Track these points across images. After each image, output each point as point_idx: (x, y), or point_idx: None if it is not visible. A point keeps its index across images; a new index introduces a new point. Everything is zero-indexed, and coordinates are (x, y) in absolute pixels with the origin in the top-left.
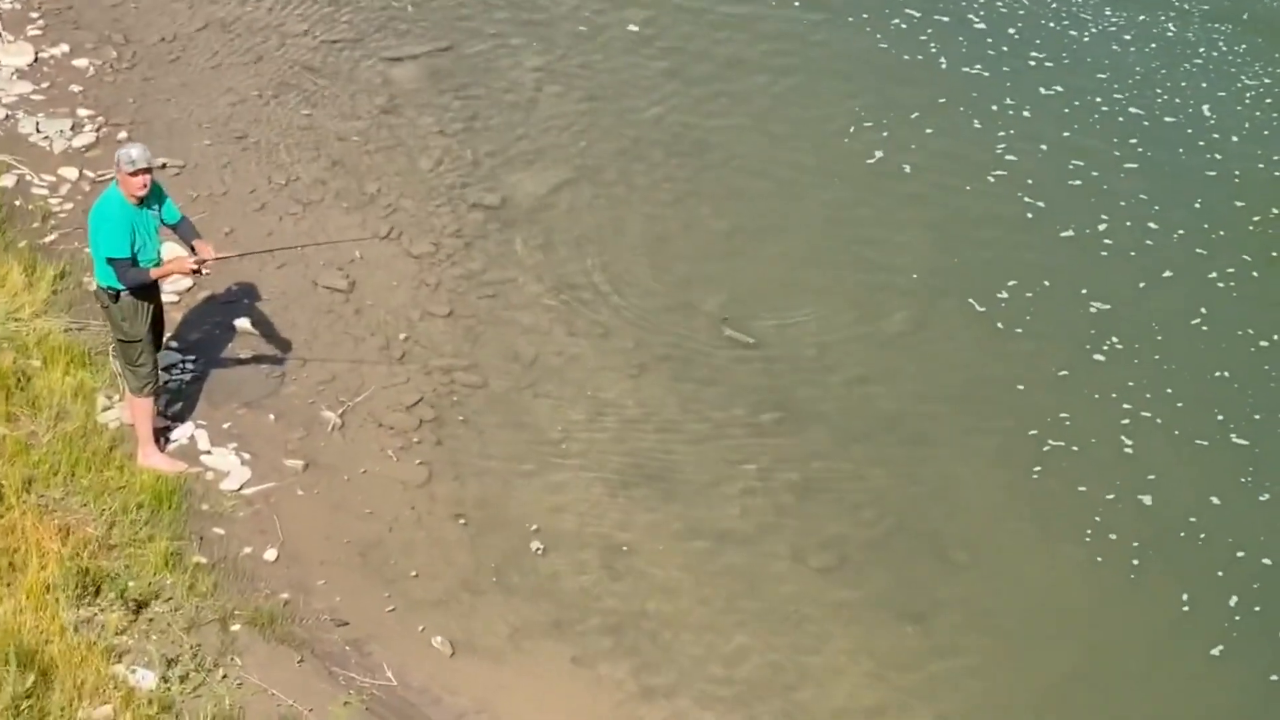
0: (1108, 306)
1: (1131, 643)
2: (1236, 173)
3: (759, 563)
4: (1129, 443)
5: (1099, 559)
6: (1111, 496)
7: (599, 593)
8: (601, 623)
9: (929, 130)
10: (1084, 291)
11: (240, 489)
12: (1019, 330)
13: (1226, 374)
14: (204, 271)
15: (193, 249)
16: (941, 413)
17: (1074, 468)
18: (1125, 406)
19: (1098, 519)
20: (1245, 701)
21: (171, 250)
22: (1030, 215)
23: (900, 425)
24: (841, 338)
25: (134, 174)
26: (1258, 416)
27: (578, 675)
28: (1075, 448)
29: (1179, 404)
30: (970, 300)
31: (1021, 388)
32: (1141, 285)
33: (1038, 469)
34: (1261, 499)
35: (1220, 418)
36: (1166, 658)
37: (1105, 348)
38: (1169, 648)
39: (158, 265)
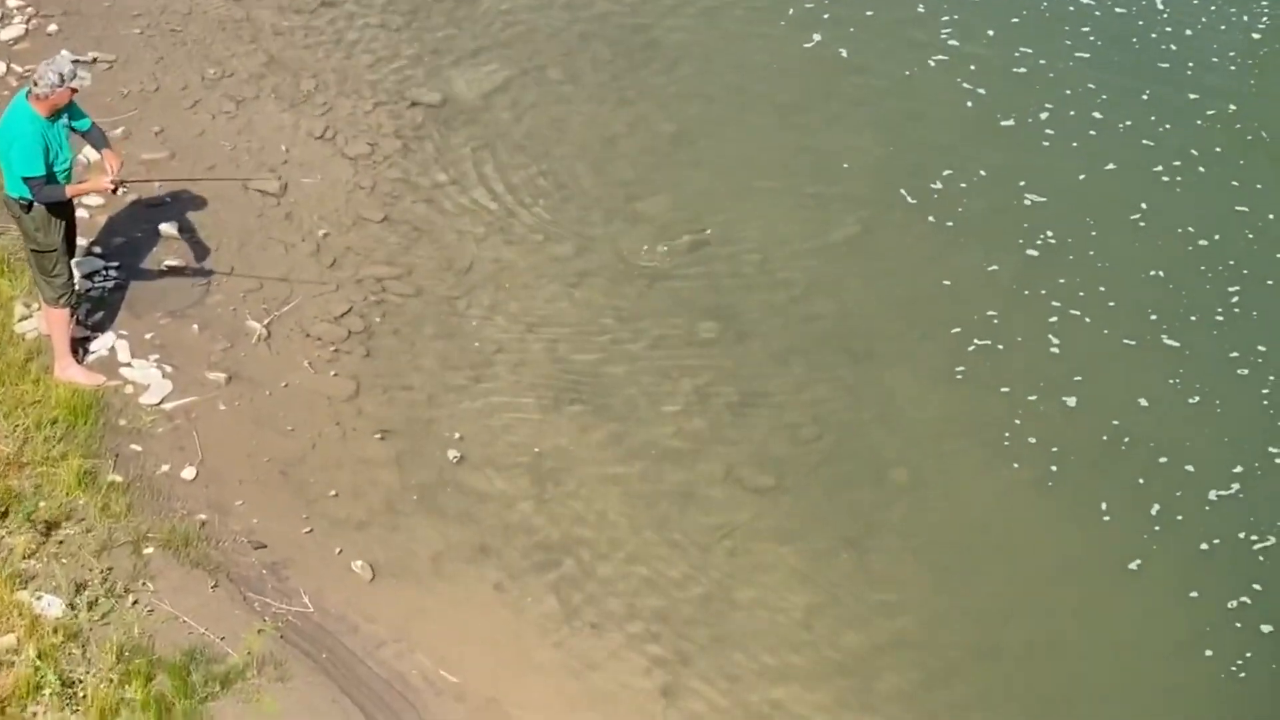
0: (1044, 199)
1: (1047, 557)
2: (1190, 65)
3: (693, 483)
4: (1056, 342)
5: (1015, 465)
6: (1034, 398)
7: (526, 514)
8: (528, 546)
9: (869, 12)
10: (1021, 183)
11: (160, 403)
12: (950, 224)
13: (1162, 273)
14: (120, 191)
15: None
16: (883, 322)
17: (998, 368)
18: (1054, 304)
19: (1018, 422)
20: (1160, 623)
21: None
22: (970, 104)
23: (842, 337)
24: (782, 242)
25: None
26: (1193, 318)
27: (501, 601)
28: (1000, 347)
29: (1110, 303)
30: (902, 191)
31: (948, 283)
32: (1081, 177)
33: (961, 369)
34: (1191, 402)
35: (1153, 318)
36: (1081, 573)
37: (1039, 242)
38: (1084, 562)
39: (69, 173)
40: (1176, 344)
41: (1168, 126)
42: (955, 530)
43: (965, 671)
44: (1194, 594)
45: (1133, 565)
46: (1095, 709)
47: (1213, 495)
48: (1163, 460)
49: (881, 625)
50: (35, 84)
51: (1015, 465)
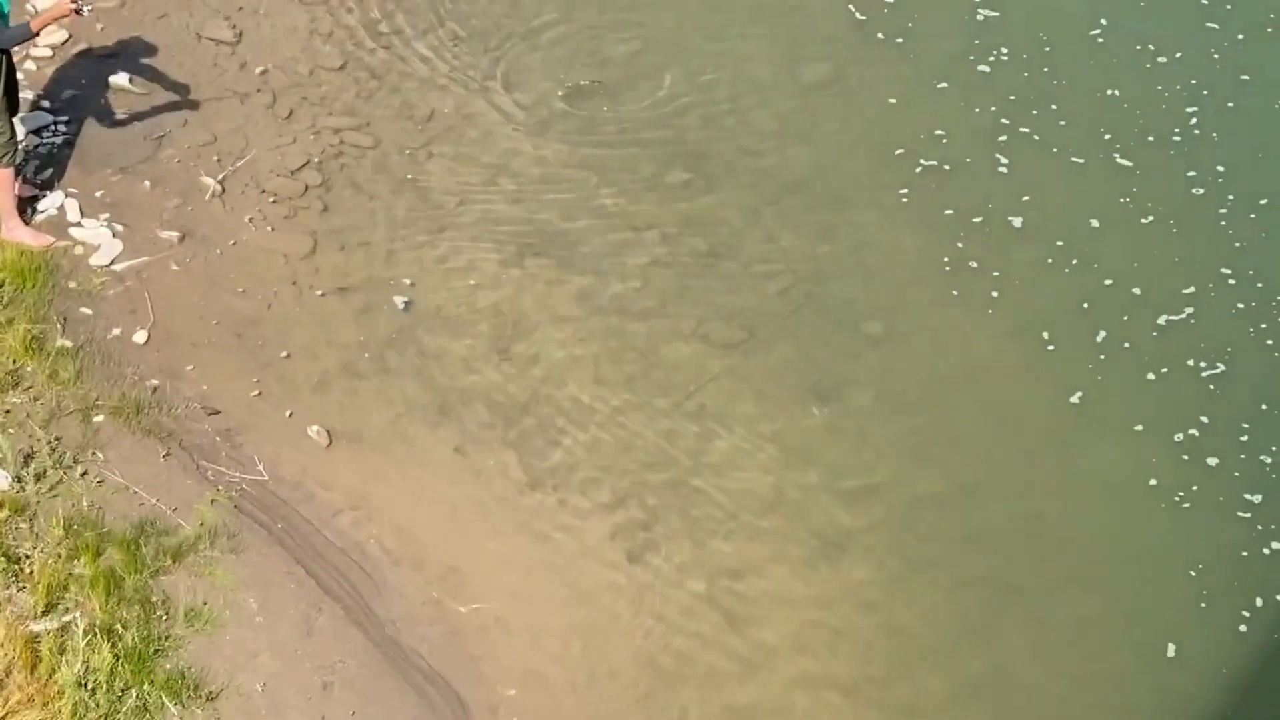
0: (996, 14)
1: (987, 391)
2: None
3: (660, 338)
4: (1004, 161)
5: (955, 292)
6: (979, 220)
7: (488, 374)
8: (489, 407)
9: None
10: None
11: (111, 264)
12: (900, 40)
13: (1118, 91)
14: (85, 11)
15: None
16: (857, 168)
17: (944, 189)
18: (1004, 122)
19: (960, 245)
20: (1102, 457)
21: None
22: None
23: (814, 185)
24: (752, 85)
25: None
26: (1150, 138)
27: (461, 465)
28: (947, 167)
29: (1061, 121)
30: (850, 7)
31: (893, 101)
32: None
33: (905, 191)
34: (1143, 222)
35: (1107, 137)
36: (1017, 407)
37: (991, 58)
38: (1023, 393)
39: (7, 16)
40: (1129, 163)
41: None
42: (920, 378)
43: (926, 523)
44: (1139, 427)
45: (1074, 398)
46: (1043, 548)
47: (1161, 320)
48: (1108, 283)
49: (852, 483)
50: None
51: (955, 292)
